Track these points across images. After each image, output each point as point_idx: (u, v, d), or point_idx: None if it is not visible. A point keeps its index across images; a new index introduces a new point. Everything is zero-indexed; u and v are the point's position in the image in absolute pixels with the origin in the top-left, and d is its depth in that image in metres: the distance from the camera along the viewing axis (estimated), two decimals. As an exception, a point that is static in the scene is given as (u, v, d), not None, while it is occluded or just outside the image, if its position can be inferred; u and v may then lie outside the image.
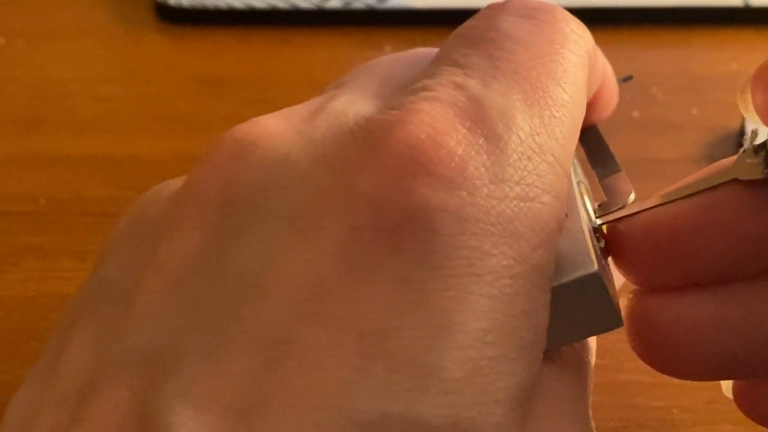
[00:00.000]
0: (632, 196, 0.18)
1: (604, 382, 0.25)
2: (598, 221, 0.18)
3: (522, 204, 0.15)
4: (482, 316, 0.14)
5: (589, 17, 0.38)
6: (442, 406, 0.14)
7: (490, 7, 0.19)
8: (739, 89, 0.18)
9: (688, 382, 0.25)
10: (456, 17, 0.38)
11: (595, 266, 0.16)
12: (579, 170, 0.20)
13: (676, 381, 0.25)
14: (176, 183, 0.18)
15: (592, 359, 0.18)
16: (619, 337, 0.18)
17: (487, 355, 0.14)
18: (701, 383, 0.25)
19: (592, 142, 0.19)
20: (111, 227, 0.30)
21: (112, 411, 0.14)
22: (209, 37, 0.39)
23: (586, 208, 0.18)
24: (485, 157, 0.15)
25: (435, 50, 0.19)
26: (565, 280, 0.16)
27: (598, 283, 0.16)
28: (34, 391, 0.17)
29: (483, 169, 0.15)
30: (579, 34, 0.18)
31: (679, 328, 0.18)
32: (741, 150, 0.17)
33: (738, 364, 0.18)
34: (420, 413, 0.14)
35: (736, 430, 0.25)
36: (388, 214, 0.15)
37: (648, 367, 0.19)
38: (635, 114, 0.35)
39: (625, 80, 0.21)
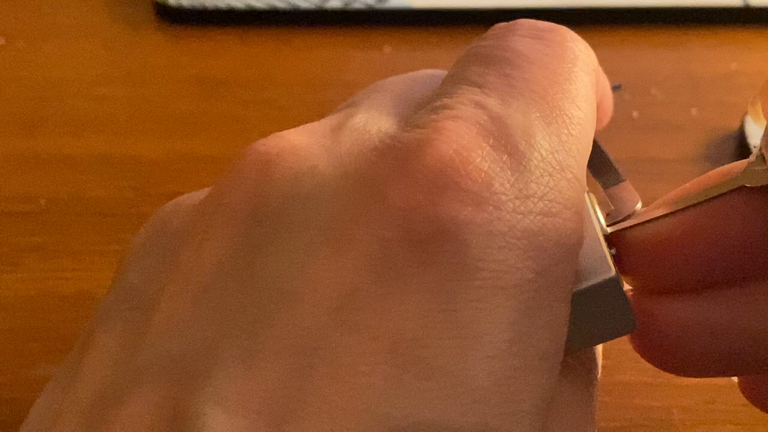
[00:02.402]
0: (639, 205, 0.19)
1: (604, 383, 0.25)
2: (609, 230, 0.18)
3: (545, 219, 0.16)
4: (508, 328, 0.15)
5: (589, 18, 0.39)
6: (470, 414, 0.14)
7: (500, 27, 0.19)
8: (749, 100, 0.18)
9: (688, 382, 0.25)
10: (456, 17, 0.39)
11: (614, 271, 0.17)
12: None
13: (676, 381, 0.25)
14: (198, 195, 0.18)
15: (598, 372, 0.18)
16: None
17: (512, 366, 0.15)
18: (701, 384, 0.25)
19: (593, 153, 0.20)
20: (111, 227, 0.31)
21: (142, 415, 0.14)
22: (209, 37, 0.39)
23: (597, 216, 0.19)
24: (509, 173, 0.16)
25: (441, 71, 0.20)
26: (584, 285, 0.16)
27: (616, 288, 0.17)
28: (55, 398, 0.17)
29: (508, 185, 0.16)
30: (586, 53, 0.19)
31: (672, 328, 0.18)
32: (750, 157, 0.17)
33: (728, 364, 0.18)
34: (450, 420, 0.14)
35: (736, 430, 0.25)
36: (418, 226, 0.15)
37: (648, 368, 0.19)
38: (635, 114, 0.35)
39: (614, 89, 0.21)
